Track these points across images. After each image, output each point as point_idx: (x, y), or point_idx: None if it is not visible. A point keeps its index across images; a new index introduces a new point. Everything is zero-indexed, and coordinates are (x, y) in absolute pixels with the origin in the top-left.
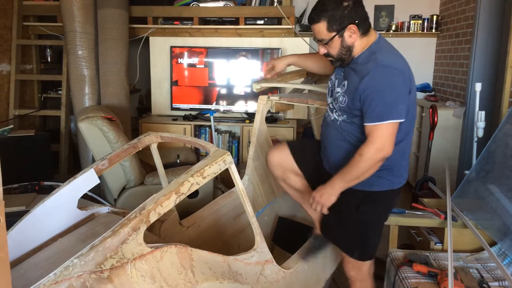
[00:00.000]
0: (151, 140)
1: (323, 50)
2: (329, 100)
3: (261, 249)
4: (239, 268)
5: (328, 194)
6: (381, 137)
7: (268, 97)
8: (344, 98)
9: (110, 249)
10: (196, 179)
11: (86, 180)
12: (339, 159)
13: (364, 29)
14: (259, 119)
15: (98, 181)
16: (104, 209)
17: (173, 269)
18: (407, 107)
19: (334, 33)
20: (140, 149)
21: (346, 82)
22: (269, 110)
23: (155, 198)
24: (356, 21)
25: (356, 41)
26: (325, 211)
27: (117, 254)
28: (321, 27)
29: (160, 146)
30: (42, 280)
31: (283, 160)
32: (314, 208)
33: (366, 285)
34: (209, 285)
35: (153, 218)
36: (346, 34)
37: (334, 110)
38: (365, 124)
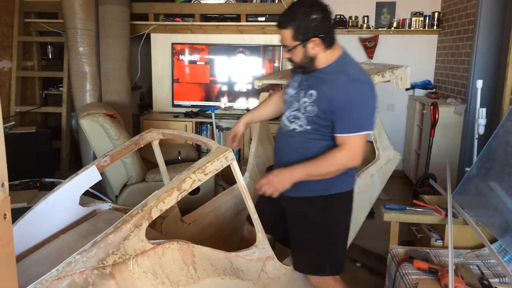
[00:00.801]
0: (152, 137)
1: (285, 54)
2: (289, 111)
3: (263, 246)
4: (241, 264)
5: (285, 180)
6: (355, 147)
7: (270, 94)
8: (314, 108)
9: (112, 245)
10: (198, 175)
11: (88, 177)
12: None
13: (328, 43)
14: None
15: (99, 178)
16: (106, 206)
17: (175, 265)
18: None
19: (297, 42)
20: (142, 145)
21: (314, 92)
22: None
23: (157, 194)
24: (321, 35)
25: (319, 53)
26: (275, 195)
27: (119, 250)
28: (287, 34)
29: (162, 143)
30: (45, 276)
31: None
32: (265, 190)
33: None
34: (210, 281)
35: (155, 214)
36: (309, 45)
37: (297, 121)
38: (338, 134)
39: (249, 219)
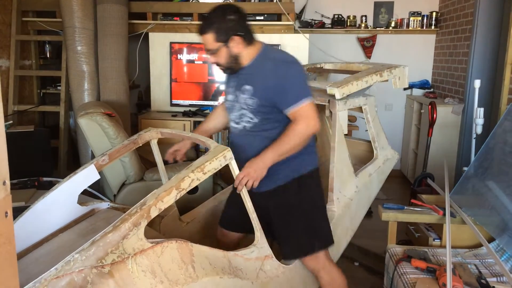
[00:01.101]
0: (151, 136)
1: (213, 60)
2: (234, 114)
3: (261, 245)
4: (239, 263)
5: (260, 168)
6: (307, 115)
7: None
8: (254, 100)
9: (111, 244)
10: (197, 174)
11: (86, 176)
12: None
13: (248, 40)
14: None
15: (98, 177)
16: (104, 205)
17: (173, 264)
18: None
19: (220, 44)
20: (140, 144)
21: (249, 87)
22: None
23: (156, 193)
24: (240, 33)
25: (242, 51)
26: (256, 185)
27: (118, 249)
28: (209, 38)
29: (160, 142)
30: (43, 275)
31: (229, 241)
32: (244, 184)
33: (330, 271)
34: (209, 280)
35: (154, 213)
36: (231, 44)
37: (243, 118)
38: (287, 111)
39: (221, 222)
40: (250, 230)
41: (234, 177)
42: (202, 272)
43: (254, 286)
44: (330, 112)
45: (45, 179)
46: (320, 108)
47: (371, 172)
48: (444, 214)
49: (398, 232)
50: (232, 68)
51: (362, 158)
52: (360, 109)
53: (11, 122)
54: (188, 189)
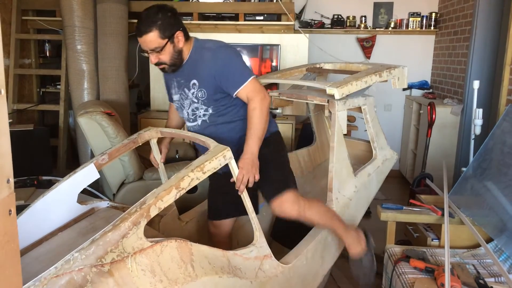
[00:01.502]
0: (151, 135)
1: (154, 59)
2: (186, 111)
3: (260, 244)
4: (238, 263)
5: (252, 161)
6: (257, 90)
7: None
8: (202, 92)
9: (111, 243)
10: (196, 174)
11: (86, 175)
12: (234, 139)
13: (187, 35)
14: None
15: (98, 176)
16: (104, 204)
17: (173, 263)
18: None
19: (166, 40)
20: (140, 144)
21: (194, 80)
22: None
23: (155, 192)
24: (181, 28)
25: (183, 46)
26: (257, 178)
27: (117, 248)
28: (153, 36)
29: (159, 142)
30: (43, 274)
31: (220, 232)
32: (247, 181)
33: (311, 206)
34: (208, 279)
35: (153, 212)
36: (175, 40)
37: (197, 112)
38: (236, 93)
39: (209, 216)
40: (238, 213)
41: (234, 176)
42: (201, 271)
43: (253, 285)
44: (330, 112)
45: (44, 177)
46: (320, 108)
47: (370, 172)
48: (443, 215)
49: (396, 232)
50: (176, 65)
51: (361, 158)
52: (359, 109)
53: (10, 120)
54: (187, 189)
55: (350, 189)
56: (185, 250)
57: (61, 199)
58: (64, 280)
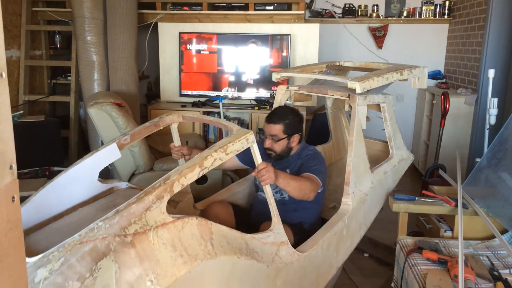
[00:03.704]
0: (172, 119)
1: (269, 144)
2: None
3: (278, 231)
4: (256, 246)
5: (275, 174)
6: (316, 184)
7: (287, 87)
8: None
9: (135, 214)
10: (219, 154)
11: (108, 153)
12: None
13: (301, 139)
14: None
15: (119, 156)
16: (123, 185)
17: (193, 240)
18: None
19: (285, 136)
20: (161, 127)
21: (288, 170)
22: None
23: (179, 169)
24: (300, 133)
25: (295, 146)
26: (267, 183)
27: (140, 220)
28: (278, 128)
29: (169, 133)
30: (67, 240)
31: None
32: (263, 174)
33: None
34: (227, 258)
35: (176, 188)
36: (292, 139)
37: (277, 194)
38: (306, 173)
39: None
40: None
41: (256, 161)
42: (220, 250)
43: (269, 270)
44: (350, 106)
45: (55, 168)
46: (337, 106)
47: (387, 170)
48: (456, 206)
49: (408, 224)
50: (282, 157)
51: (377, 158)
52: (377, 107)
53: (21, 112)
54: (210, 168)
55: (367, 184)
56: (205, 228)
57: (83, 176)
58: (88, 247)
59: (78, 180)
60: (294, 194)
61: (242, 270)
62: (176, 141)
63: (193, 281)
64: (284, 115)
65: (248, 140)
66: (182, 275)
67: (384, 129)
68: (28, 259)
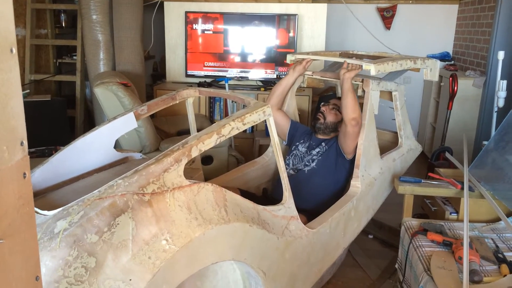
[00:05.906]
0: (189, 93)
1: (326, 108)
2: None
3: (288, 205)
4: (267, 217)
5: (353, 75)
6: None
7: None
8: (319, 154)
9: (153, 174)
10: (237, 124)
11: (125, 122)
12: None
13: None
14: (289, 94)
15: (136, 125)
16: (137, 155)
17: (208, 205)
18: None
19: (342, 116)
20: (178, 102)
21: (317, 149)
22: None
23: (197, 135)
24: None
25: (337, 133)
26: (348, 76)
27: (158, 181)
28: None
29: (175, 113)
30: (86, 196)
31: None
32: (350, 68)
33: None
34: (240, 225)
35: (194, 153)
36: (342, 124)
37: (303, 165)
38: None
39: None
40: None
41: (270, 134)
42: (234, 216)
43: (279, 242)
44: (363, 91)
45: (62, 148)
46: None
47: (395, 158)
48: (462, 188)
49: (413, 206)
50: (325, 127)
51: (386, 148)
52: (389, 96)
53: (27, 91)
54: (227, 136)
55: (376, 169)
56: (220, 195)
57: (100, 142)
58: (107, 203)
59: (94, 146)
60: (349, 104)
61: (254, 239)
62: (191, 116)
63: (207, 244)
64: None
65: (265, 113)
66: (196, 236)
67: (394, 119)
68: (47, 212)
